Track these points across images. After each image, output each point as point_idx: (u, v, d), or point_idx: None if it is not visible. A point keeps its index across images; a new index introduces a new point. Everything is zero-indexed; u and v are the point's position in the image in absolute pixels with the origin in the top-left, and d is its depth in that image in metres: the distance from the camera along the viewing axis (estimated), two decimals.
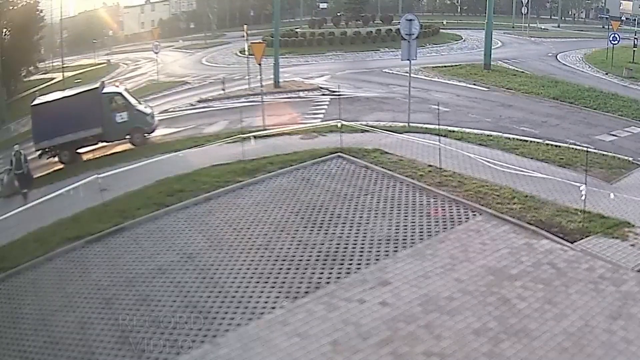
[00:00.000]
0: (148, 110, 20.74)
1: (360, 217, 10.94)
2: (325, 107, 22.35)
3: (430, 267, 9.01)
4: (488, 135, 16.72)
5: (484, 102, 22.94)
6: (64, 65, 44.41)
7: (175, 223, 11.46)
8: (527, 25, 57.55)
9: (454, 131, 16.91)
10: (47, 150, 19.59)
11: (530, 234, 9.99)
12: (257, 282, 8.96)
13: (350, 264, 9.28)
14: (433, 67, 31.29)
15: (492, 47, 31.76)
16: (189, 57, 51.90)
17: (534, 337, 7.29)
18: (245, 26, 29.81)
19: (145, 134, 19.88)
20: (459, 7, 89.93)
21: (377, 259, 9.37)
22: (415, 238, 10.00)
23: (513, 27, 60.52)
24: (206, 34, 66.06)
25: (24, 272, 10.58)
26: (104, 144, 20.22)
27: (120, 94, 20.36)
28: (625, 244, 9.63)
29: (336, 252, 9.69)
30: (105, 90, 20.39)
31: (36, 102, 20.19)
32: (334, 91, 25.09)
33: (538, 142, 16.06)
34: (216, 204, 12.17)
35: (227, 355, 7.38)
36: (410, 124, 17.65)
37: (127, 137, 19.80)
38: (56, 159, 19.75)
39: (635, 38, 36.02)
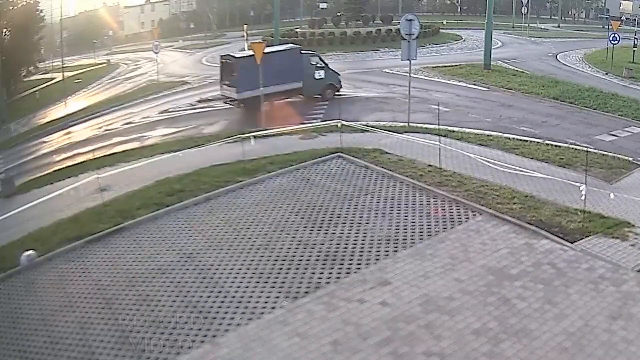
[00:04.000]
0: (339, 72, 24.16)
1: (360, 217, 10.93)
2: (325, 107, 22.35)
3: (430, 267, 9.01)
4: (488, 135, 16.73)
5: (484, 102, 22.94)
6: (64, 65, 44.33)
7: (175, 223, 11.44)
8: (527, 25, 57.62)
9: (454, 131, 16.91)
10: (247, 100, 21.39)
11: (530, 234, 9.99)
12: (257, 282, 8.96)
13: (350, 264, 9.27)
14: (433, 67, 31.29)
15: (492, 47, 31.75)
16: (189, 57, 51.86)
17: (534, 337, 7.29)
18: (245, 26, 29.93)
19: (336, 92, 23.46)
20: (459, 7, 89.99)
21: (377, 259, 9.37)
22: (415, 238, 10.00)
23: (513, 27, 60.57)
24: (206, 34, 66.02)
25: (24, 272, 10.57)
26: (301, 97, 23.40)
27: (317, 55, 24.20)
28: (625, 244, 9.64)
29: (336, 252, 9.69)
30: (303, 51, 23.96)
31: (239, 55, 23.62)
32: None
33: (538, 142, 16.06)
34: (216, 204, 12.16)
35: (227, 355, 7.37)
36: (410, 124, 17.66)
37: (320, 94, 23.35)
38: (251, 109, 21.38)
39: (635, 38, 36.05)
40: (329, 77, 23.62)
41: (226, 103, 23.02)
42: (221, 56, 23.70)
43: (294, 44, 25.90)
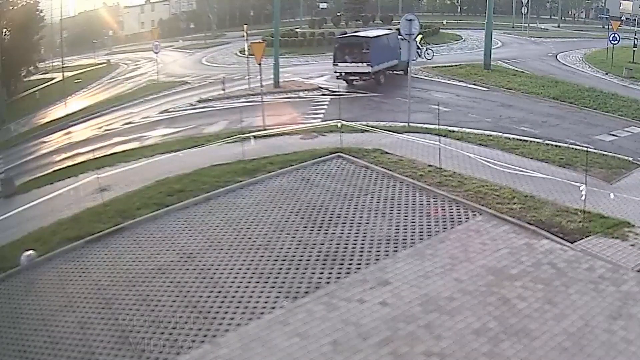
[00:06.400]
0: None
1: (360, 217, 10.93)
2: (325, 107, 22.33)
3: (430, 267, 9.01)
4: (488, 135, 16.72)
5: (484, 102, 22.94)
6: (64, 65, 44.37)
7: (175, 223, 11.44)
8: (527, 25, 57.57)
9: (454, 131, 16.90)
10: (376, 73, 25.42)
11: (530, 234, 9.99)
12: (257, 282, 8.96)
13: (350, 264, 9.27)
14: (433, 67, 31.28)
15: (492, 47, 31.69)
16: (189, 57, 51.89)
17: (534, 337, 7.29)
18: (245, 26, 29.80)
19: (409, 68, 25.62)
20: (459, 7, 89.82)
21: (377, 259, 9.37)
22: (415, 238, 10.00)
23: (513, 27, 60.51)
24: (206, 34, 66.03)
25: (24, 272, 10.57)
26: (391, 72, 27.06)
27: (403, 38, 26.72)
28: (625, 244, 9.64)
29: (336, 252, 9.69)
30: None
31: (372, 34, 26.85)
32: (334, 91, 25.10)
33: (538, 142, 16.06)
34: (216, 204, 12.16)
35: (227, 355, 7.38)
36: (410, 124, 17.65)
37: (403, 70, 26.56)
38: (373, 81, 25.53)
39: (635, 38, 36.03)
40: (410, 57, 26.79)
41: (345, 79, 25.86)
42: (340, 37, 28.73)
43: (389, 29, 31.49)
